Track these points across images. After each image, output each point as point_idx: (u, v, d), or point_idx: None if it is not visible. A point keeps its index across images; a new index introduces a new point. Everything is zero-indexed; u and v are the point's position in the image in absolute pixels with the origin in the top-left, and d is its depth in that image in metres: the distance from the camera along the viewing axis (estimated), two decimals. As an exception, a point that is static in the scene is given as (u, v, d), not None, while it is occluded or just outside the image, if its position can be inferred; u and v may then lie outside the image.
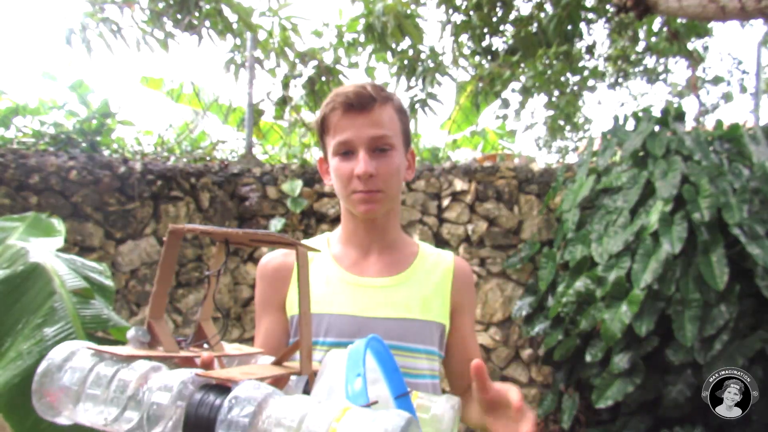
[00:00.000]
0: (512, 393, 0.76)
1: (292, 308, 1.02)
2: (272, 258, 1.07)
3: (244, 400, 0.46)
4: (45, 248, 1.13)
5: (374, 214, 0.99)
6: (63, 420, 0.55)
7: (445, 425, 0.67)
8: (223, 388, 0.50)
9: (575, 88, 4.57)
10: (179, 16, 3.84)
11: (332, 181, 1.02)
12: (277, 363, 0.68)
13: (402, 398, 0.68)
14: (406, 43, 4.25)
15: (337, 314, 0.98)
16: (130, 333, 0.62)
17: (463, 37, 4.68)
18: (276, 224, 3.10)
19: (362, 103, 0.95)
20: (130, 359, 0.55)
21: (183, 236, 0.68)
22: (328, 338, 0.96)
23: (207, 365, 0.61)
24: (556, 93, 4.31)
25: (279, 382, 0.67)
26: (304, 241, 1.07)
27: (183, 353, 0.65)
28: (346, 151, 0.97)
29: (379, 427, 0.43)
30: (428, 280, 1.04)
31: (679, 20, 4.49)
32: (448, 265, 1.07)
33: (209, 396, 0.49)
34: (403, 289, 1.01)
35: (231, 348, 0.76)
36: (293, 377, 0.68)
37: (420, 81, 4.16)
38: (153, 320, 0.64)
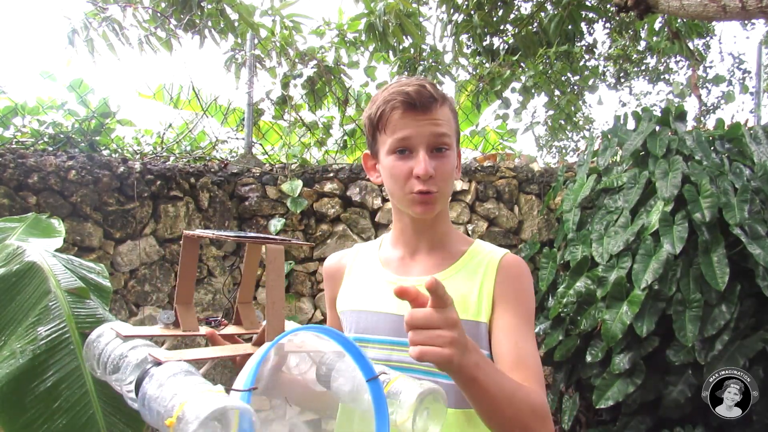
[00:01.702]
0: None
1: (341, 304, 1.09)
2: (330, 259, 1.16)
3: (153, 376, 0.62)
4: (42, 248, 1.13)
5: (430, 215, 0.99)
6: (98, 374, 0.76)
7: (406, 411, 0.70)
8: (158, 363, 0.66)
9: (576, 87, 4.56)
10: (181, 16, 3.84)
11: (383, 179, 1.01)
12: (258, 343, 0.81)
13: (373, 381, 0.71)
14: (407, 42, 4.25)
15: (373, 312, 1.01)
16: (159, 315, 0.82)
17: (464, 37, 4.67)
18: (276, 224, 3.09)
19: (424, 102, 0.94)
20: (128, 338, 0.73)
21: (198, 242, 0.86)
22: (370, 335, 1.00)
23: (212, 337, 0.85)
24: (557, 93, 4.30)
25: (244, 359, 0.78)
26: (357, 246, 1.18)
27: (196, 333, 0.82)
28: (404, 149, 0.95)
29: (206, 407, 0.53)
30: (473, 278, 1.00)
31: (679, 20, 4.49)
32: (495, 260, 1.02)
33: (151, 368, 0.64)
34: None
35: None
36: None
37: (420, 81, 4.15)
38: (178, 305, 0.81)
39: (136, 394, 0.62)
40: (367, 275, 1.07)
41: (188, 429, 0.52)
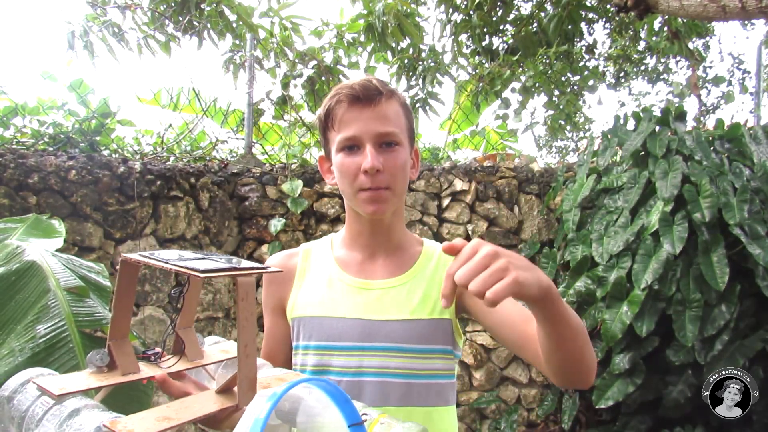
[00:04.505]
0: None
1: (294, 311, 1.01)
2: (273, 260, 1.07)
3: None
4: (41, 247, 1.13)
5: (382, 215, 0.96)
6: None
7: None
8: None
9: (575, 87, 4.56)
10: (180, 18, 3.85)
11: (335, 179, 0.99)
12: (224, 390, 0.66)
13: (356, 427, 0.64)
14: (406, 42, 4.25)
15: (339, 318, 0.96)
16: (89, 357, 0.65)
17: (463, 37, 4.68)
18: (276, 224, 3.09)
19: (369, 95, 0.92)
20: (62, 398, 0.58)
21: (138, 268, 0.68)
22: (337, 342, 0.95)
23: (162, 383, 0.67)
24: (557, 93, 4.30)
25: (220, 413, 0.64)
26: (305, 245, 1.08)
27: (139, 376, 0.67)
28: (352, 146, 0.93)
29: None
30: (434, 277, 1.00)
31: (679, 20, 4.49)
32: (444, 257, 1.02)
33: None
34: (405, 290, 0.98)
35: (219, 347, 0.75)
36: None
37: (420, 80, 4.16)
38: (112, 342, 0.66)
39: None
40: (325, 279, 1.01)
41: None
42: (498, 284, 0.62)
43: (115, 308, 0.67)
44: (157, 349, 0.71)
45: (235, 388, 0.64)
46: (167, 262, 0.62)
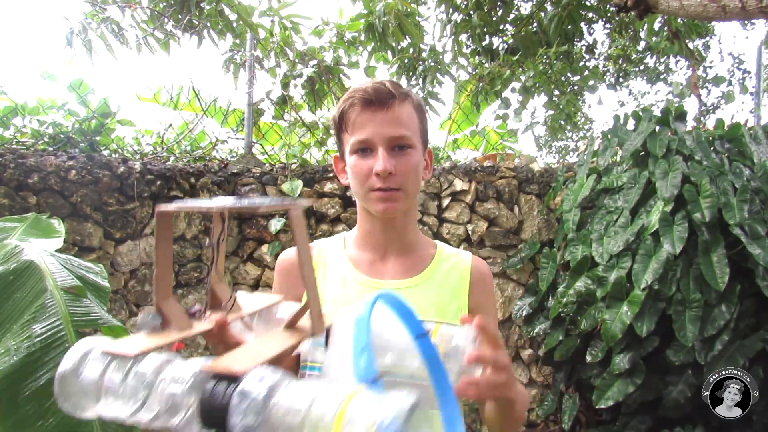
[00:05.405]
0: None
1: None
2: (290, 254, 1.08)
3: (250, 394, 0.49)
4: (40, 247, 1.13)
5: (393, 214, 0.97)
6: (90, 414, 0.57)
7: (465, 356, 0.68)
8: (227, 377, 0.52)
9: (575, 87, 4.56)
10: (180, 17, 3.84)
11: (348, 180, 1.00)
12: (291, 325, 0.69)
13: (421, 338, 0.68)
14: (406, 42, 4.25)
15: None
16: (140, 318, 0.63)
17: (463, 37, 4.67)
18: (276, 224, 3.09)
19: (381, 99, 0.93)
20: (140, 357, 0.56)
21: (172, 217, 0.67)
22: None
23: (221, 328, 0.65)
24: (557, 93, 4.30)
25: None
26: (317, 242, 1.09)
27: (196, 330, 0.65)
28: (365, 149, 0.95)
29: (385, 411, 0.45)
30: (446, 283, 1.01)
31: (679, 20, 4.49)
32: (466, 266, 1.04)
33: (220, 386, 0.51)
34: (418, 293, 0.99)
35: (250, 298, 0.76)
36: (306, 341, 0.68)
37: (420, 80, 4.16)
38: (161, 302, 0.64)
39: (209, 422, 0.49)
40: (339, 277, 1.02)
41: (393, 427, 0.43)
42: (494, 393, 0.71)
43: (158, 266, 0.65)
44: (198, 306, 0.71)
45: (300, 323, 0.68)
46: (210, 208, 0.62)
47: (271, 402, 0.48)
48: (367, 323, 0.59)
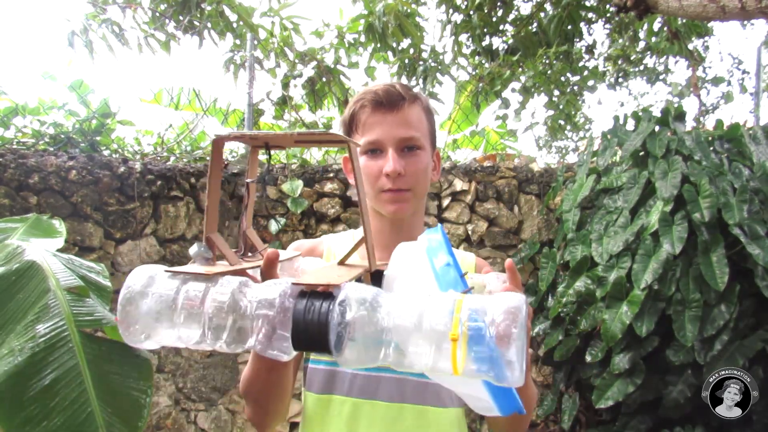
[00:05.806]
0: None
1: None
2: (302, 244, 1.09)
3: (358, 302, 0.47)
4: (42, 247, 1.13)
5: (402, 214, 0.99)
6: (152, 344, 0.54)
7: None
8: (319, 293, 0.50)
9: (575, 88, 4.56)
10: (180, 17, 3.85)
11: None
12: (341, 263, 0.70)
13: (463, 278, 0.70)
14: (406, 42, 4.25)
15: None
16: (194, 250, 0.61)
17: (463, 37, 4.68)
18: (276, 224, 3.10)
19: (391, 101, 0.95)
20: (214, 277, 0.54)
21: (224, 145, 0.66)
22: None
23: (272, 261, 0.63)
24: (556, 93, 4.30)
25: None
26: (327, 237, 1.12)
27: (248, 264, 0.64)
28: (375, 150, 0.96)
29: (505, 306, 0.44)
30: None
31: (679, 20, 4.49)
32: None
33: (314, 302, 0.48)
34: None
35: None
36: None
37: (421, 81, 4.16)
38: (211, 234, 0.62)
39: (305, 339, 0.47)
40: None
41: (518, 318, 0.43)
42: None
43: (209, 198, 0.63)
44: (235, 250, 0.69)
45: (353, 258, 0.70)
46: (268, 133, 0.62)
47: (379, 313, 0.46)
48: (446, 242, 0.60)
